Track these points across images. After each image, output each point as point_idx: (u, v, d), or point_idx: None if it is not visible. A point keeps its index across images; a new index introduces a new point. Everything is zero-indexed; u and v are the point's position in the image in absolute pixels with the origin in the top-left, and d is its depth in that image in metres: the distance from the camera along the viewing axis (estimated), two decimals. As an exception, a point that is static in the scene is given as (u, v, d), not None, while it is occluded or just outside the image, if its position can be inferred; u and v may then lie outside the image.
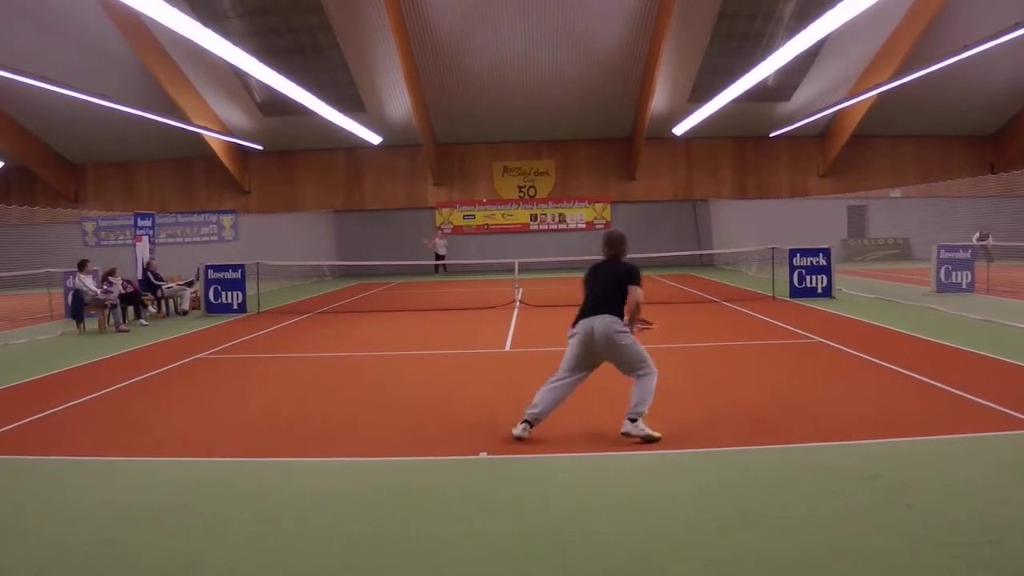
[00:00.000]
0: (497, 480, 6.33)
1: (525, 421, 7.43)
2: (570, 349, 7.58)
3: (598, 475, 6.39)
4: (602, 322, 7.36)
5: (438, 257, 36.09)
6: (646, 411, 7.27)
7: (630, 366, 7.47)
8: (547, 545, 4.92)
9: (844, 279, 23.12)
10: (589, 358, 7.56)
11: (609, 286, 7.58)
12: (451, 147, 39.24)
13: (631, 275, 7.55)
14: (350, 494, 6.02)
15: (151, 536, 5.24)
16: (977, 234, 31.27)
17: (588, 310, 7.54)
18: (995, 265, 23.01)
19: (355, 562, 4.78)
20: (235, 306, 20.34)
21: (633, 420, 7.26)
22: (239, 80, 32.72)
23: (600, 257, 7.91)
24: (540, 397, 7.53)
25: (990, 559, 4.48)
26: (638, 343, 7.52)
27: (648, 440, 7.15)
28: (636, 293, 7.47)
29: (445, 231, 39.06)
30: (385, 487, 6.19)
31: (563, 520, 5.31)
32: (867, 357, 11.14)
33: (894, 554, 4.60)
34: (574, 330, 7.55)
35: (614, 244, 7.83)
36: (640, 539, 4.97)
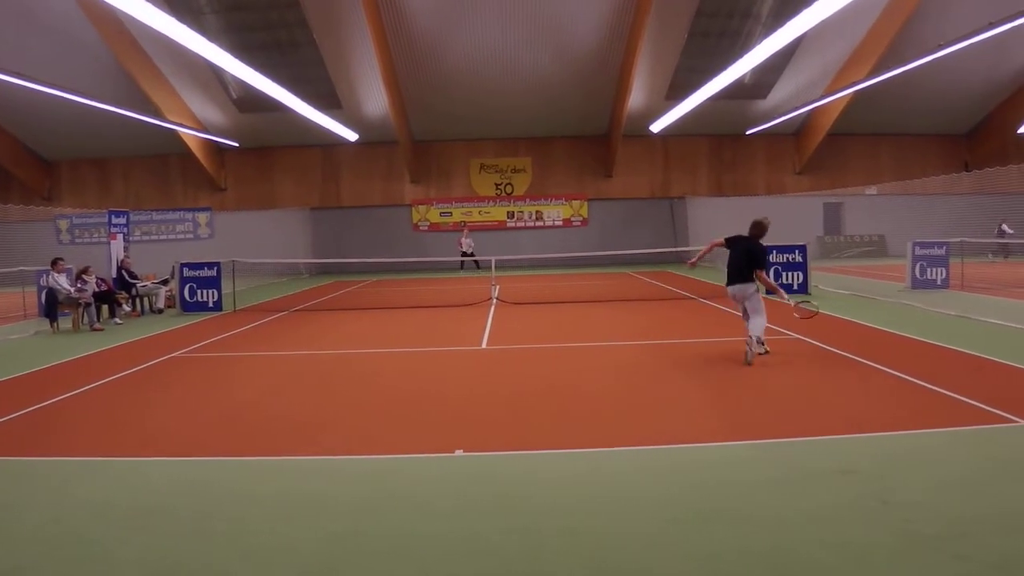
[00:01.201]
0: (473, 477, 6.30)
1: (760, 342, 11.01)
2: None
3: (576, 472, 6.38)
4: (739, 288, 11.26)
5: (465, 255, 35.55)
6: (761, 336, 10.94)
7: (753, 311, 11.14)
8: (527, 543, 4.92)
9: (820, 276, 23.27)
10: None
11: (741, 258, 11.22)
12: (428, 144, 39.14)
13: (757, 258, 11.20)
14: (329, 492, 5.99)
15: (132, 535, 5.21)
16: (1004, 225, 31.58)
17: (731, 273, 11.38)
18: (971, 263, 23.14)
19: (335, 560, 4.76)
20: (211, 304, 20.23)
21: (760, 341, 10.96)
22: (215, 76, 32.50)
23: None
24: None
25: (966, 552, 4.52)
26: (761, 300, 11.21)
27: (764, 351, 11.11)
28: (760, 275, 11.21)
29: (469, 228, 38.44)
30: (364, 485, 6.18)
31: (542, 517, 5.31)
32: (843, 353, 11.21)
33: (871, 548, 4.63)
34: (728, 288, 11.49)
35: (753, 227, 11.48)
36: (619, 536, 4.98)
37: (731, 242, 11.56)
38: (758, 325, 10.91)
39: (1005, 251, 32.76)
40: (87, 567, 4.74)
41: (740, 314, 11.61)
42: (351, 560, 4.75)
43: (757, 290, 11.16)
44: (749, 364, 10.47)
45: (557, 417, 8.09)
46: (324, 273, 37.87)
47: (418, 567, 4.61)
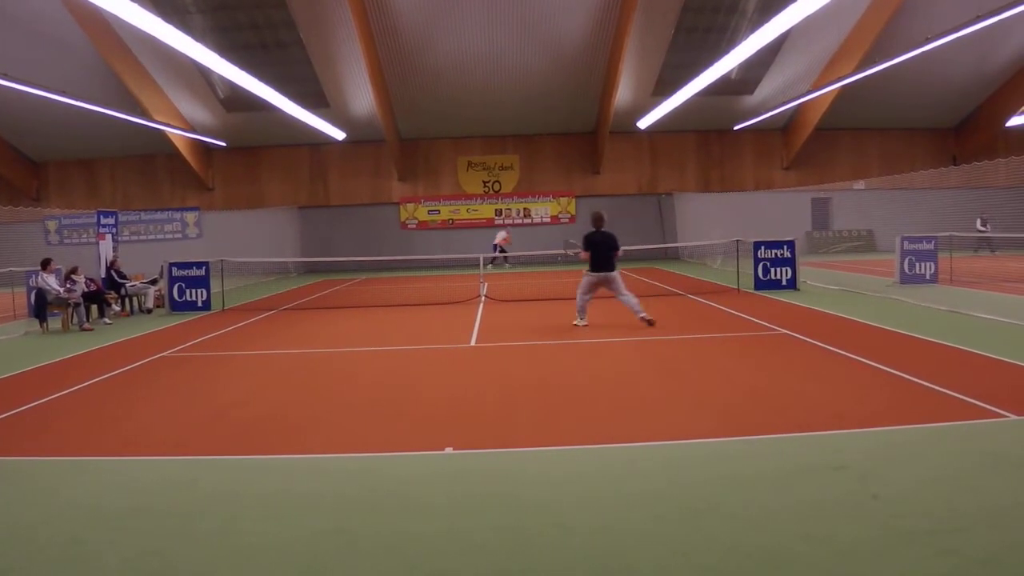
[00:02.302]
0: (463, 475, 6.30)
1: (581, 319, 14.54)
2: (588, 282, 14.41)
3: (566, 468, 6.38)
4: (605, 274, 14.20)
5: (502, 250, 35.67)
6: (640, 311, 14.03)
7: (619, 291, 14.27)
8: (517, 540, 4.92)
9: (809, 271, 23.31)
10: (598, 287, 14.52)
11: (605, 250, 14.17)
12: (415, 142, 39.10)
13: (615, 244, 14.31)
14: (318, 491, 5.97)
15: (120, 535, 5.19)
16: (979, 220, 31.67)
17: (599, 263, 14.16)
18: (959, 257, 23.21)
19: (324, 558, 4.75)
20: (199, 304, 20.16)
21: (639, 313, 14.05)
22: (202, 76, 32.40)
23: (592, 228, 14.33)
24: (580, 306, 14.56)
25: (956, 546, 4.53)
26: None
27: (649, 322, 13.95)
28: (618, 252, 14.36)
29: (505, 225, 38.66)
30: (353, 483, 6.16)
31: (532, 514, 5.31)
32: (832, 348, 11.23)
33: (861, 543, 4.64)
34: (592, 275, 14.27)
35: (598, 221, 14.35)
36: (609, 532, 4.98)
37: (593, 241, 14.28)
38: (633, 301, 14.15)
39: (989, 245, 32.94)
40: (76, 568, 4.72)
41: (588, 297, 14.57)
42: (340, 558, 4.74)
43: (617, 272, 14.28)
44: (652, 324, 13.92)
45: (546, 414, 8.10)
46: (312, 272, 37.78)
47: (408, 565, 4.61)
